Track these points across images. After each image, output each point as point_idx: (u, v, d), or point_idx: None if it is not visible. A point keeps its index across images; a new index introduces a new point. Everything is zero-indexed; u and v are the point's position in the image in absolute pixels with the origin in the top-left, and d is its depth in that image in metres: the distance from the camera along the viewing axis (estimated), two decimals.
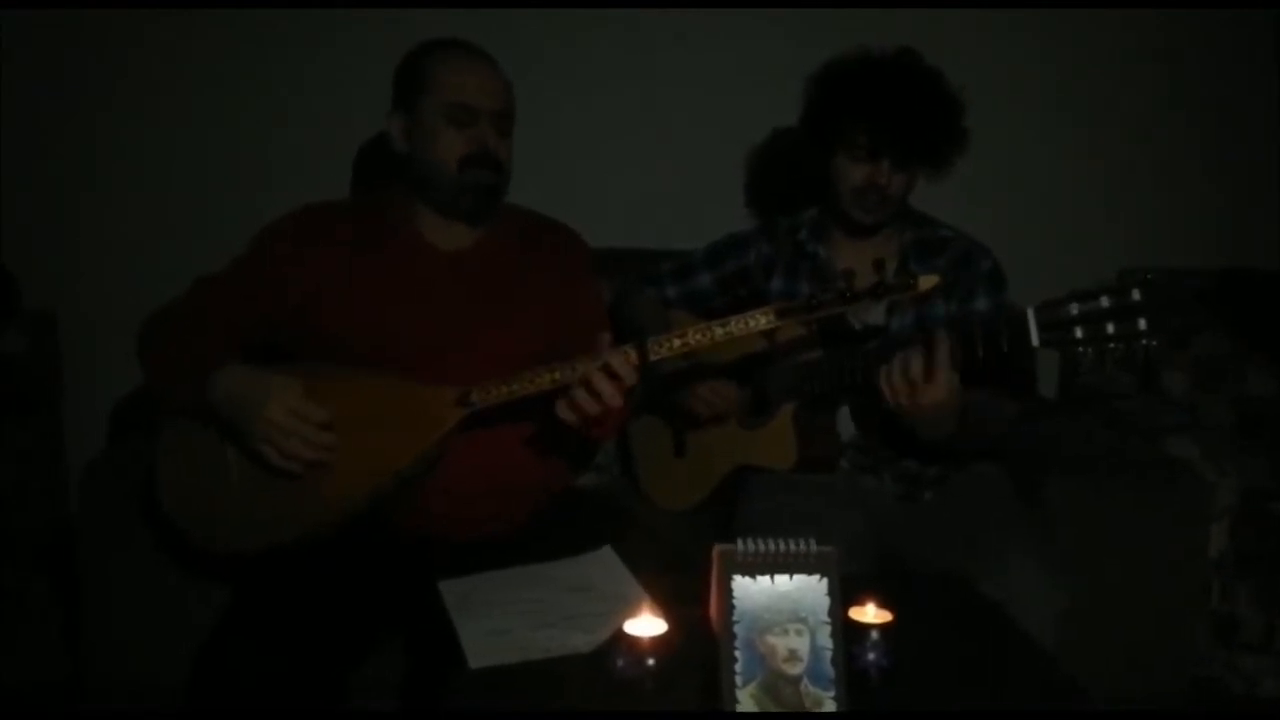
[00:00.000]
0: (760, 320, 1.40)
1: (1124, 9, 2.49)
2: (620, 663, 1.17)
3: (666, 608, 1.23)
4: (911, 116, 1.67)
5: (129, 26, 2.33)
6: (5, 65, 2.32)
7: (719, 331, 1.42)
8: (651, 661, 1.16)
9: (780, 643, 1.13)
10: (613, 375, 1.44)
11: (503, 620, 1.33)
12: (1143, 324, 1.34)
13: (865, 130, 1.69)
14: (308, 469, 1.50)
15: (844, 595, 1.17)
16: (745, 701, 1.11)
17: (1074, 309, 1.39)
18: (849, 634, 1.17)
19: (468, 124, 1.62)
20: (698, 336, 1.43)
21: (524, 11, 2.38)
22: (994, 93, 2.30)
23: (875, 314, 1.78)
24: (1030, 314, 1.43)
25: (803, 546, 1.17)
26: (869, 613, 1.23)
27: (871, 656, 1.18)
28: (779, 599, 1.14)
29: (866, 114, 1.68)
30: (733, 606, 1.14)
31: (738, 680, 1.12)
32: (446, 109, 1.62)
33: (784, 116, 1.83)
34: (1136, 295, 1.35)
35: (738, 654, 1.12)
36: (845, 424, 1.83)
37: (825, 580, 1.15)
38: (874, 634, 1.19)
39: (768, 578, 1.15)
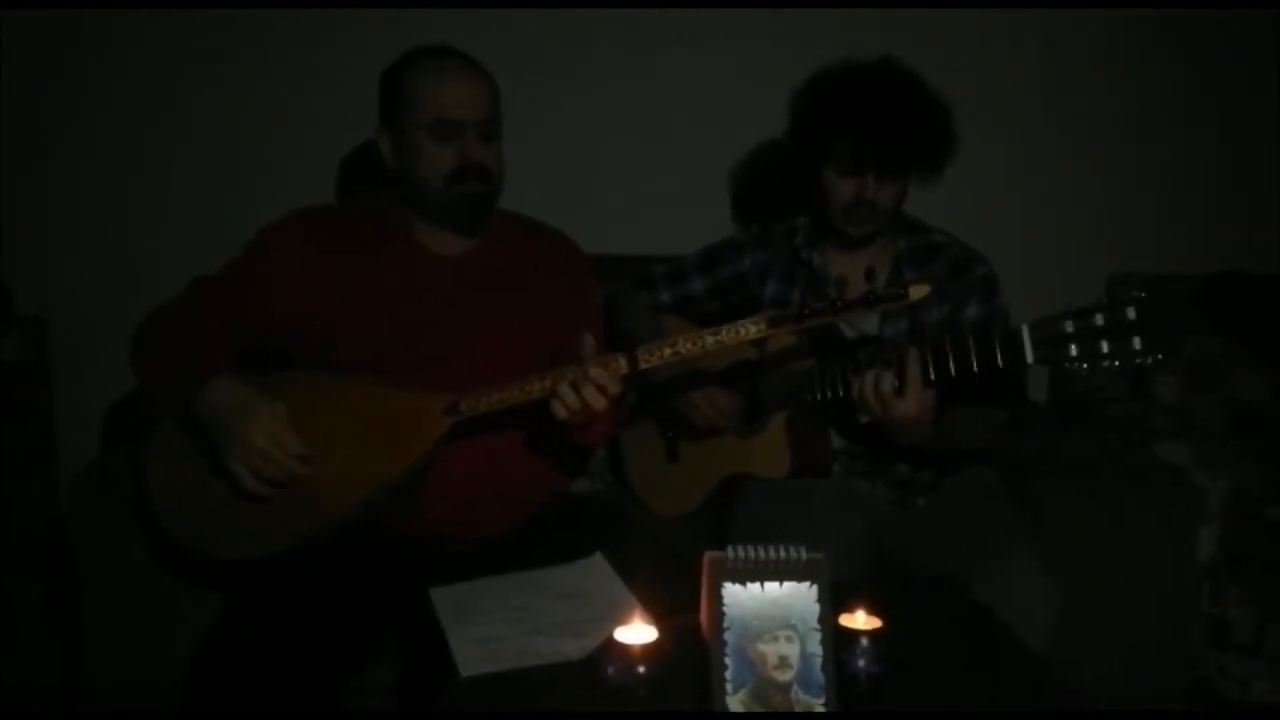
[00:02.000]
0: (751, 329, 1.41)
1: (1114, 9, 2.50)
2: (611, 670, 1.18)
3: (658, 614, 1.23)
4: (896, 127, 1.66)
5: (126, 29, 2.32)
6: (2, 65, 2.32)
7: (710, 340, 1.42)
8: (642, 669, 1.16)
9: (770, 649, 1.13)
10: (600, 384, 1.44)
11: (494, 627, 1.34)
12: (1138, 343, 1.33)
13: (850, 144, 1.68)
14: (288, 488, 1.49)
15: (835, 602, 1.17)
16: (736, 708, 1.11)
17: (1069, 326, 1.38)
18: (839, 640, 1.17)
19: (451, 138, 1.60)
20: (688, 345, 1.43)
21: (523, 13, 2.38)
22: (984, 95, 2.31)
23: (869, 322, 1.78)
24: (1025, 331, 1.42)
25: (793, 553, 1.17)
26: (859, 619, 1.23)
27: (861, 663, 1.18)
28: (769, 606, 1.15)
29: (850, 128, 1.67)
30: (723, 613, 1.14)
31: (728, 687, 1.12)
32: (427, 125, 1.60)
33: (781, 122, 1.83)
34: (1131, 314, 1.34)
35: (728, 660, 1.13)
36: (836, 430, 1.83)
37: (815, 587, 1.15)
38: (864, 640, 1.19)
39: (758, 585, 1.15)
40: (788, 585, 1.15)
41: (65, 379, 2.45)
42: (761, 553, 1.17)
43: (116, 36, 2.33)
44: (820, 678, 1.13)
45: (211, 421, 1.50)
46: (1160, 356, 1.33)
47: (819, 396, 1.69)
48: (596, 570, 1.50)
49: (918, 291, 1.36)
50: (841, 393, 1.63)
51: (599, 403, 1.45)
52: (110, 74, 2.35)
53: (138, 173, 2.40)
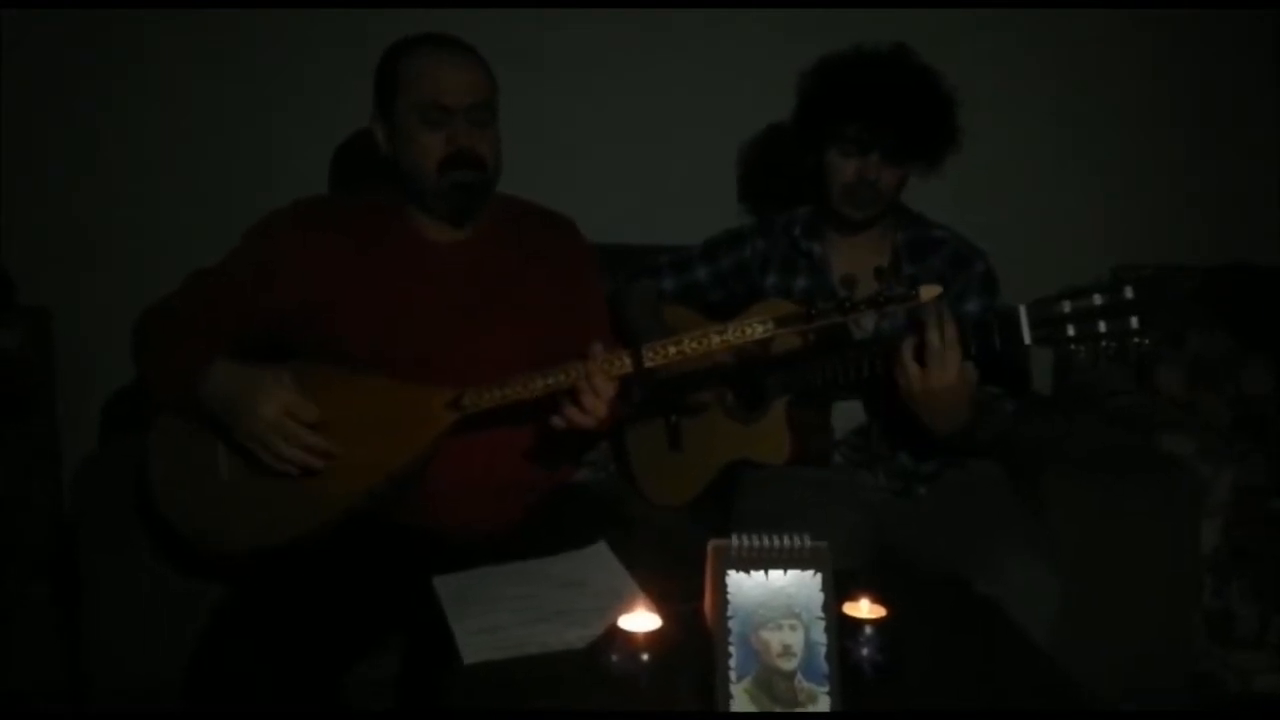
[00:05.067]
0: (759, 329, 1.39)
1: (1117, 8, 2.49)
2: (614, 658, 1.18)
3: (661, 603, 1.23)
4: (903, 109, 1.66)
5: (126, 22, 2.33)
6: (3, 63, 2.32)
7: (716, 339, 1.41)
8: (646, 657, 1.17)
9: (774, 638, 1.13)
10: (601, 386, 1.44)
11: (497, 616, 1.34)
12: (1135, 322, 1.34)
13: (856, 123, 1.68)
14: (301, 470, 1.49)
15: (838, 591, 1.17)
16: (739, 697, 1.11)
17: (1066, 307, 1.38)
18: (843, 629, 1.17)
19: (442, 123, 1.58)
20: (694, 344, 1.42)
21: (524, 10, 2.37)
22: (987, 89, 2.31)
23: (869, 317, 1.77)
24: (1022, 312, 1.42)
25: (797, 542, 1.17)
26: (863, 608, 1.23)
27: (865, 652, 1.18)
28: (773, 594, 1.14)
29: (857, 107, 1.67)
30: (727, 602, 1.14)
31: (732, 675, 1.12)
32: (418, 110, 1.58)
33: (782, 113, 1.83)
34: (1129, 293, 1.35)
35: (732, 649, 1.12)
36: (839, 419, 1.83)
37: (819, 576, 1.15)
38: (868, 629, 1.19)
39: (762, 573, 1.15)
40: (792, 573, 1.15)
41: (68, 370, 2.45)
42: (765, 541, 1.16)
43: (117, 30, 2.33)
44: (824, 666, 1.12)
45: (218, 405, 1.49)
46: (1159, 336, 1.32)
47: (824, 384, 1.69)
48: (600, 559, 1.49)
49: (928, 292, 1.33)
50: (846, 378, 1.63)
51: (597, 408, 1.45)
52: (112, 67, 2.36)
53: (140, 164, 2.41)
